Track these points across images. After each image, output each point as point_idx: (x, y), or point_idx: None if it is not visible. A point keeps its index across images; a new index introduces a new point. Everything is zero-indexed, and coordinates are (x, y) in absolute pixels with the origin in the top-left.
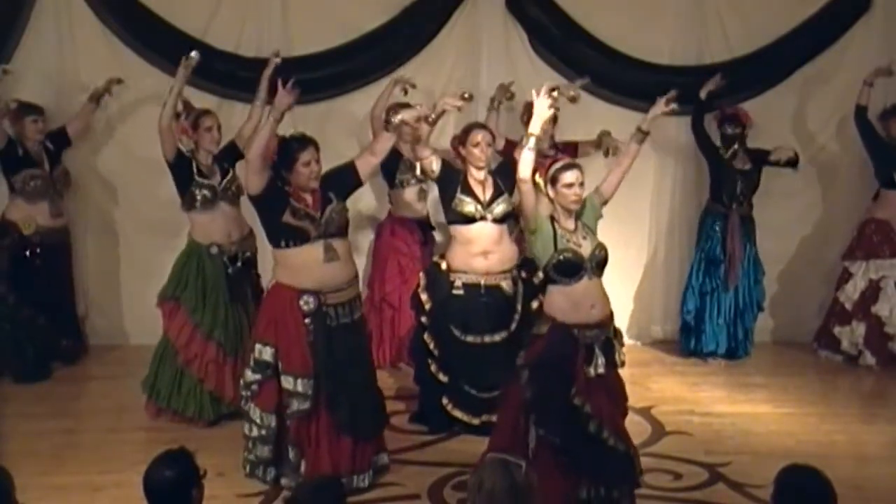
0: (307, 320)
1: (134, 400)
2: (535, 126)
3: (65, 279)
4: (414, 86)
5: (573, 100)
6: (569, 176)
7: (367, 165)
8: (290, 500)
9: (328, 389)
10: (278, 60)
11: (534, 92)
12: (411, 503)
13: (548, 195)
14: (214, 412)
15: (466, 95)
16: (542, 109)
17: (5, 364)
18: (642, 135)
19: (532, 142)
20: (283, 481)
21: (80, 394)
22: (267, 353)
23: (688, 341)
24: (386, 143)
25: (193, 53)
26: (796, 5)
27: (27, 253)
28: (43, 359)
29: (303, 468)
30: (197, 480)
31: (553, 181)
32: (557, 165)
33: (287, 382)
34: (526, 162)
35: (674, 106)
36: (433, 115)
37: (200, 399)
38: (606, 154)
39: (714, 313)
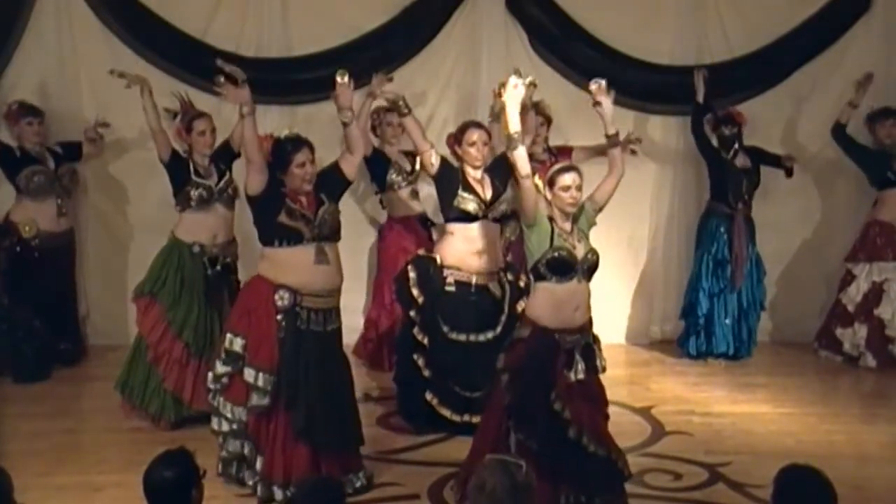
0: (279, 316)
1: None
2: (514, 123)
3: (66, 282)
4: (390, 79)
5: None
6: (566, 179)
7: (350, 164)
8: (288, 499)
9: (287, 390)
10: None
11: (499, 91)
12: (411, 503)
13: (545, 197)
14: (177, 413)
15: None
16: (512, 101)
17: (4, 364)
18: (614, 138)
19: (516, 140)
20: (248, 479)
21: (80, 394)
22: (237, 344)
23: (695, 345)
24: (355, 139)
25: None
26: (796, 5)
27: (26, 255)
28: (42, 360)
29: (258, 466)
30: (197, 480)
31: (551, 183)
32: (556, 168)
33: (249, 375)
34: (522, 158)
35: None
36: (403, 107)
37: (163, 398)
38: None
39: (722, 314)
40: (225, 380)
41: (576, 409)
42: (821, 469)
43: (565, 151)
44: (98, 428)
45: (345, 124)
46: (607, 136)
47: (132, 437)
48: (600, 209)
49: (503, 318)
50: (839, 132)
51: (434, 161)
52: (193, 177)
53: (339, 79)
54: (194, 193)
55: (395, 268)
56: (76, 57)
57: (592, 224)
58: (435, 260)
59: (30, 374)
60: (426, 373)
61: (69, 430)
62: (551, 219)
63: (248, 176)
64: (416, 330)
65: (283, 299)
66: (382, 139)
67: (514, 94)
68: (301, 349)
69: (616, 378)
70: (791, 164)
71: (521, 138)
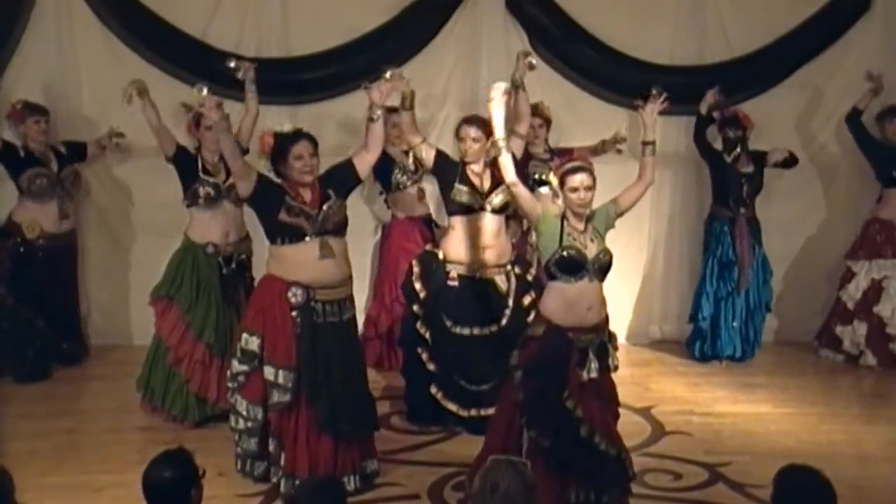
0: (294, 313)
1: (134, 400)
2: (498, 129)
3: (69, 283)
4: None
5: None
6: (574, 180)
7: (364, 162)
8: (289, 499)
9: (309, 384)
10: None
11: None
12: (411, 503)
13: (560, 194)
14: (200, 413)
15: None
16: (498, 108)
17: (5, 364)
18: (651, 146)
19: (500, 147)
20: (272, 475)
21: (80, 394)
22: (253, 343)
23: (701, 348)
24: (376, 135)
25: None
26: (796, 5)
27: (30, 256)
28: (43, 360)
29: (282, 462)
30: (196, 480)
31: (561, 183)
32: (566, 168)
33: (269, 373)
34: (506, 166)
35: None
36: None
37: (186, 399)
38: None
39: (729, 317)
40: (241, 378)
41: (587, 408)
42: (820, 469)
43: (566, 153)
44: (98, 428)
45: (372, 120)
46: (644, 143)
47: (132, 437)
48: (621, 214)
49: (508, 311)
50: (853, 119)
51: (426, 154)
52: (201, 174)
53: (388, 73)
54: (202, 191)
55: (396, 268)
56: (76, 57)
57: (610, 227)
58: (437, 255)
59: (30, 373)
60: (430, 367)
61: (69, 430)
62: (564, 216)
63: (236, 182)
64: (418, 324)
65: (296, 296)
66: (386, 139)
67: (499, 101)
68: (319, 343)
69: (616, 378)
70: (779, 159)
71: (506, 145)
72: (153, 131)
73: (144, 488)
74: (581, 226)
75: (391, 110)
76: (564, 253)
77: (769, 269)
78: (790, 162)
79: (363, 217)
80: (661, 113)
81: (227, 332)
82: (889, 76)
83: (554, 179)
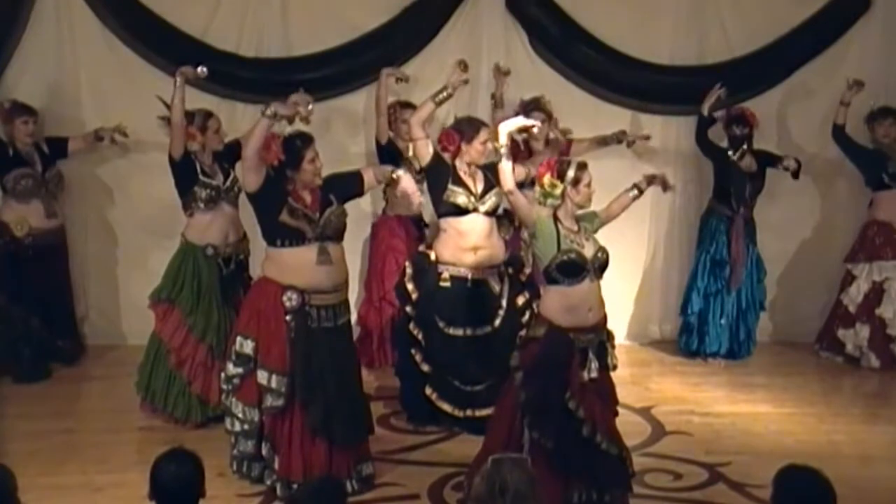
0: (289, 317)
1: (133, 400)
2: (501, 136)
3: (60, 280)
4: (406, 79)
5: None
6: (587, 175)
7: (372, 182)
8: (290, 500)
9: (302, 389)
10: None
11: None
12: (411, 503)
13: (564, 194)
14: (202, 414)
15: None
16: (504, 123)
17: (3, 365)
18: (639, 192)
19: (501, 154)
20: (266, 478)
21: (79, 394)
22: (248, 347)
23: (689, 342)
24: (381, 174)
25: (200, 70)
26: (796, 5)
27: (19, 254)
28: (40, 360)
29: (276, 466)
30: (203, 479)
31: (576, 182)
32: (574, 166)
33: (262, 377)
34: (506, 173)
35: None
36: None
37: (189, 401)
38: (629, 144)
39: (717, 314)
40: (236, 380)
41: (589, 407)
42: (821, 469)
43: (564, 144)
44: (98, 428)
45: (393, 180)
46: (637, 187)
47: (132, 437)
48: (604, 223)
49: (501, 311)
50: (837, 132)
51: (425, 151)
52: (201, 177)
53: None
54: (203, 193)
55: (384, 266)
56: (76, 57)
57: (595, 231)
58: (429, 256)
59: (29, 373)
60: (424, 368)
61: (69, 430)
62: (556, 219)
63: (244, 174)
64: (411, 325)
65: (291, 300)
66: (396, 134)
67: (507, 122)
68: (313, 348)
69: (616, 378)
70: (792, 168)
71: (507, 154)
72: (174, 128)
73: (155, 484)
74: (574, 226)
75: (404, 105)
76: (565, 257)
77: (763, 268)
78: (794, 175)
79: (351, 217)
80: (663, 113)
81: (228, 334)
82: (886, 77)
83: (548, 178)
